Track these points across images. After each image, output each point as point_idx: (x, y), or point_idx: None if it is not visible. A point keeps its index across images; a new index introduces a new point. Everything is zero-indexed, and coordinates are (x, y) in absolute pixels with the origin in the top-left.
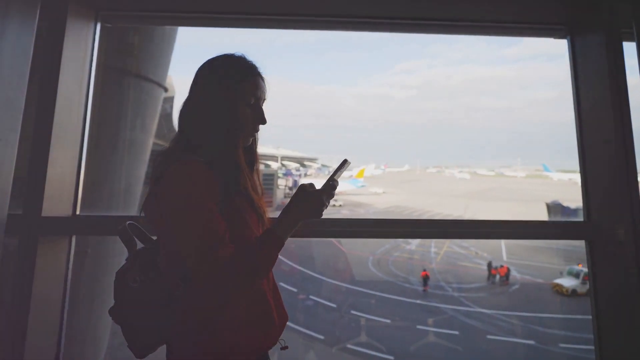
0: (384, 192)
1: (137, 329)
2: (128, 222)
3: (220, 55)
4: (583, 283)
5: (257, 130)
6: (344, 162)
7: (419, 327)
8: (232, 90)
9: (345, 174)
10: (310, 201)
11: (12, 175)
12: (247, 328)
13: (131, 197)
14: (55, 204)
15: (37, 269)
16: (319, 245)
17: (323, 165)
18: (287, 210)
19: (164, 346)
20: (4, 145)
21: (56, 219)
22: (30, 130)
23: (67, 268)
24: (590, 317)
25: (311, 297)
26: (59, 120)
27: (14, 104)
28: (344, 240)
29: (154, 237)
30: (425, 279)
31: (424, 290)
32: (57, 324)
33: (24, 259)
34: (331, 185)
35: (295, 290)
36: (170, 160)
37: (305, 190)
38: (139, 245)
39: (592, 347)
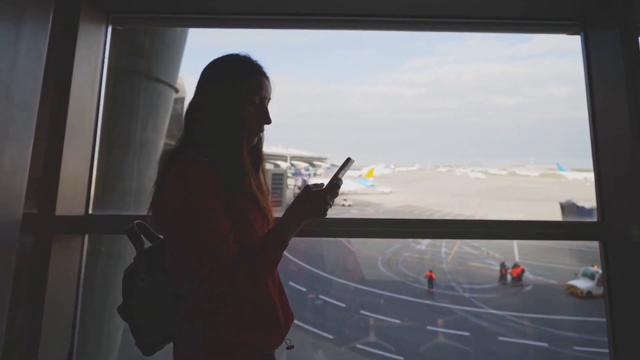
0: (391, 192)
1: (144, 326)
2: (136, 221)
3: (225, 55)
4: (598, 285)
5: (262, 129)
6: (348, 161)
7: (428, 327)
8: (237, 89)
9: (354, 173)
10: (314, 200)
11: (27, 175)
12: (252, 327)
13: (143, 196)
14: (68, 204)
15: (51, 267)
16: (328, 244)
17: (332, 165)
18: (290, 210)
19: (171, 344)
20: (18, 146)
21: (69, 218)
22: (43, 131)
23: (80, 266)
24: (604, 319)
25: (320, 296)
26: (71, 121)
27: (28, 105)
28: (353, 240)
29: (162, 236)
30: (430, 280)
31: (429, 292)
32: (70, 320)
33: (38, 257)
34: (335, 184)
35: (304, 289)
36: (175, 159)
37: (309, 190)
38: (147, 244)
39: (605, 350)
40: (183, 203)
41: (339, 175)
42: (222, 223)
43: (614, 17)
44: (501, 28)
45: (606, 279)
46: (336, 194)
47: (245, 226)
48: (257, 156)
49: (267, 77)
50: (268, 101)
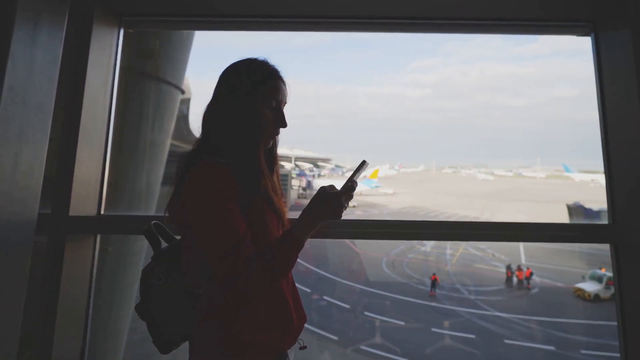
0: (394, 193)
1: (161, 325)
2: (153, 222)
3: (243, 59)
4: (606, 288)
5: (277, 133)
6: (363, 163)
7: (433, 329)
8: (254, 93)
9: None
10: (329, 203)
11: (43, 176)
12: (266, 327)
13: (150, 197)
14: (81, 204)
15: (65, 267)
16: (332, 246)
17: (337, 166)
18: (306, 211)
19: (187, 343)
20: (35, 147)
21: (83, 219)
22: (57, 133)
23: (93, 266)
24: (615, 323)
25: (325, 297)
26: (85, 123)
27: (44, 107)
28: (357, 241)
29: (178, 237)
30: (434, 283)
31: (431, 295)
32: (83, 319)
33: (52, 256)
34: (350, 186)
35: (308, 290)
36: (193, 161)
37: (325, 192)
38: (164, 244)
39: (615, 355)
40: (202, 205)
41: (354, 178)
42: (240, 224)
43: (626, 18)
44: (512, 30)
45: (617, 282)
46: (351, 197)
47: (261, 227)
48: (272, 158)
49: (283, 81)
50: (284, 105)
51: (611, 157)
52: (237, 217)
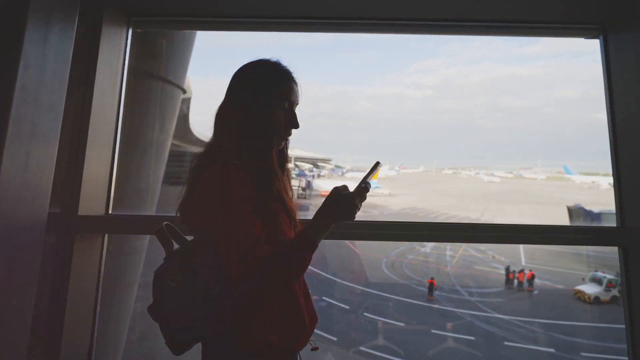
0: (389, 194)
1: (175, 326)
2: (165, 223)
3: (256, 60)
4: (607, 290)
5: (289, 134)
6: (376, 165)
7: (433, 331)
8: (267, 94)
9: (360, 175)
10: (343, 204)
11: (53, 175)
12: (279, 328)
13: (153, 196)
14: (90, 203)
15: (74, 266)
16: (331, 246)
17: (337, 166)
18: (320, 212)
19: (199, 344)
20: (46, 146)
21: (91, 218)
22: (67, 132)
23: (100, 265)
24: (616, 325)
25: (324, 298)
26: (94, 123)
27: (55, 107)
28: (357, 242)
29: (189, 238)
30: (431, 286)
31: (429, 299)
32: (91, 318)
33: (61, 255)
34: (364, 187)
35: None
36: (207, 163)
37: (338, 193)
38: (176, 245)
39: (620, 358)
40: (217, 206)
41: (368, 179)
42: (255, 225)
43: (635, 19)
44: (520, 32)
45: (625, 285)
46: (364, 198)
47: (274, 228)
48: (283, 159)
49: (295, 82)
50: (296, 106)
51: (620, 160)
52: (252, 218)
